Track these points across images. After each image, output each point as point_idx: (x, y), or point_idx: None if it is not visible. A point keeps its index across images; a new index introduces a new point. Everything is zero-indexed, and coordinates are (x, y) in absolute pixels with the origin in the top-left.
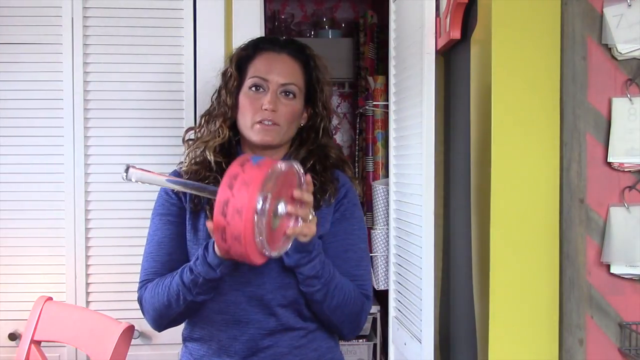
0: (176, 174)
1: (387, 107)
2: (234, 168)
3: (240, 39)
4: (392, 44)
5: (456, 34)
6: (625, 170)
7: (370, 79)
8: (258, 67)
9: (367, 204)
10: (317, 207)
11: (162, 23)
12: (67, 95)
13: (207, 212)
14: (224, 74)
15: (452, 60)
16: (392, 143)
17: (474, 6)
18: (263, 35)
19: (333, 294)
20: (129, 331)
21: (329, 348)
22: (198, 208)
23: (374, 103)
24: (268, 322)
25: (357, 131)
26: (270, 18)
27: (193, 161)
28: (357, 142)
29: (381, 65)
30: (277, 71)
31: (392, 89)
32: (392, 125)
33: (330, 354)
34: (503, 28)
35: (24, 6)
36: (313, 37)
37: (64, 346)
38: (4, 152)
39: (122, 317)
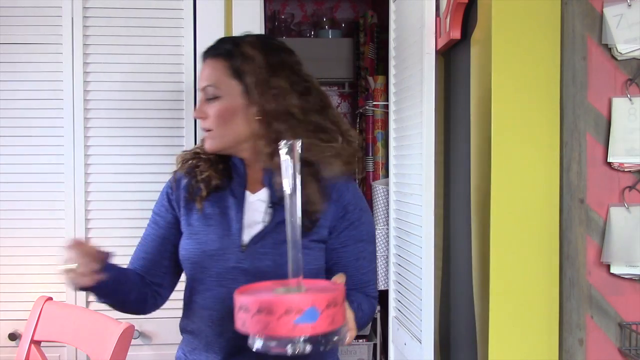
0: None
1: (387, 107)
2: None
3: None
4: (392, 44)
5: (456, 34)
6: (625, 170)
7: (370, 79)
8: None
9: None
10: (310, 227)
11: (162, 23)
12: (67, 96)
13: (198, 206)
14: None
15: (452, 60)
16: (392, 143)
17: (474, 6)
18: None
19: (359, 324)
20: (129, 331)
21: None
22: (190, 205)
23: (374, 103)
24: None
25: (357, 131)
26: (270, 18)
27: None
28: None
29: (381, 65)
30: (201, 78)
31: (392, 89)
32: (392, 125)
33: (320, 357)
34: (503, 28)
35: (24, 6)
36: (313, 37)
37: (64, 346)
38: (4, 152)
39: (122, 317)
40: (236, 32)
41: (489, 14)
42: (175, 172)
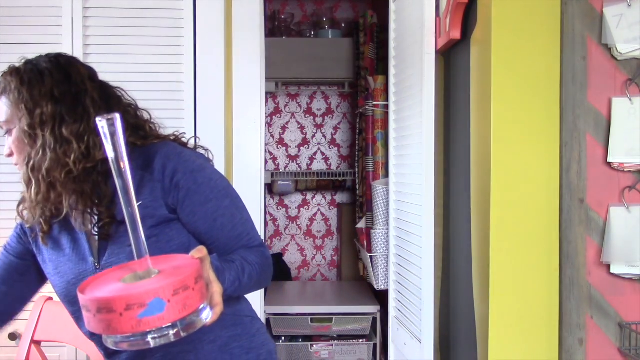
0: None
1: (387, 107)
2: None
3: (241, 39)
4: (392, 44)
5: (456, 34)
6: (625, 170)
7: (370, 79)
8: None
9: (367, 204)
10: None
11: (162, 23)
12: None
13: (43, 243)
14: None
15: (452, 60)
16: (392, 143)
17: (474, 6)
18: (263, 35)
19: (248, 285)
20: None
21: (233, 337)
22: (39, 243)
23: (374, 103)
24: None
25: (357, 131)
26: (270, 18)
27: None
28: (357, 142)
29: (381, 65)
30: None
31: (392, 89)
32: (392, 125)
33: (236, 343)
34: (503, 28)
35: (24, 6)
36: (313, 37)
37: (64, 346)
38: (4, 152)
39: None
40: (236, 32)
41: (489, 14)
42: (19, 217)
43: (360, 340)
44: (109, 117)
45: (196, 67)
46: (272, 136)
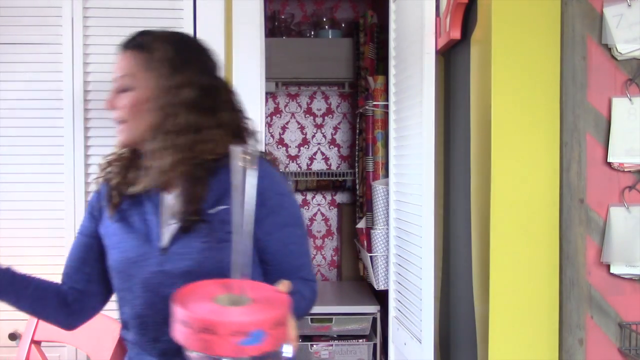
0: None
1: (387, 107)
2: None
3: (241, 39)
4: (392, 44)
5: (456, 34)
6: (625, 170)
7: (370, 79)
8: None
9: (367, 204)
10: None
11: (163, 23)
12: (67, 95)
13: (110, 213)
14: None
15: (452, 60)
16: (392, 143)
17: (474, 6)
18: (263, 35)
19: (296, 318)
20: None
21: None
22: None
23: (374, 103)
24: None
25: (357, 131)
26: (270, 18)
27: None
28: (357, 142)
29: (381, 65)
30: (115, 69)
31: (392, 89)
32: (392, 125)
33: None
34: (503, 28)
35: (24, 6)
36: (313, 37)
37: (64, 346)
38: (4, 152)
39: None
40: (236, 32)
41: (489, 14)
42: (97, 180)
43: (360, 340)
44: (247, 151)
45: None
46: (272, 136)
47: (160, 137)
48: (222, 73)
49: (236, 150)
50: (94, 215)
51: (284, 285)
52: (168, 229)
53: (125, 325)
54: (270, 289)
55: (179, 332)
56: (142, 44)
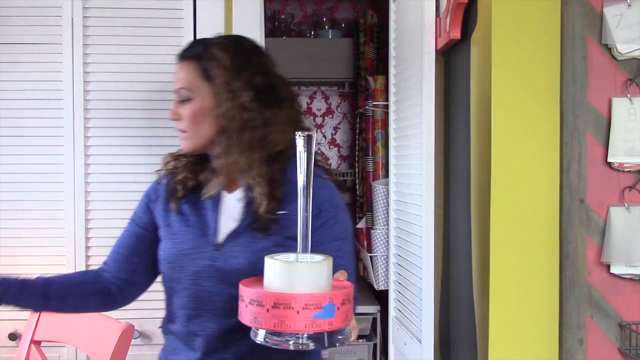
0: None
1: (387, 107)
2: None
3: None
4: (392, 44)
5: (456, 34)
6: (625, 170)
7: (370, 79)
8: None
9: (367, 204)
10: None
11: (162, 23)
12: (67, 96)
13: (173, 206)
14: None
15: (452, 60)
16: (392, 143)
17: (474, 6)
18: (263, 35)
19: None
20: (129, 331)
21: (296, 357)
22: (169, 206)
23: (374, 103)
24: (230, 319)
25: (357, 131)
26: (270, 18)
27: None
28: (357, 142)
29: (381, 65)
30: (175, 80)
31: (392, 89)
32: (392, 125)
33: (300, 356)
34: (503, 28)
35: (24, 6)
36: (313, 37)
37: (64, 346)
38: (4, 152)
39: (122, 317)
40: (236, 32)
41: (489, 14)
42: (158, 172)
43: (360, 340)
44: (305, 133)
45: None
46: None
47: (224, 139)
48: (278, 69)
49: (304, 136)
50: (149, 206)
51: (342, 274)
52: (226, 226)
53: (169, 316)
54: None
55: (249, 313)
56: (198, 54)
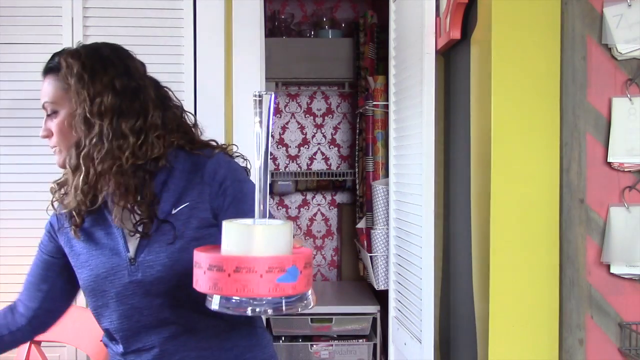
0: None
1: (387, 107)
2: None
3: (241, 39)
4: (392, 44)
5: (456, 34)
6: (625, 170)
7: (370, 79)
8: None
9: (367, 204)
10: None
11: (162, 23)
12: None
13: (74, 236)
14: None
15: (452, 60)
16: (392, 143)
17: (474, 6)
18: (263, 35)
19: None
20: None
21: (248, 347)
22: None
23: (374, 103)
24: (169, 326)
25: (357, 131)
26: (270, 18)
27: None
28: (357, 142)
29: (381, 65)
30: (41, 96)
31: (392, 89)
32: (392, 125)
33: (250, 353)
34: (503, 28)
35: (24, 6)
36: (313, 37)
37: (64, 346)
38: (4, 152)
39: None
40: (236, 32)
41: (489, 14)
42: (51, 205)
43: (360, 340)
44: (266, 92)
45: (196, 67)
46: (272, 136)
47: (79, 150)
48: (146, 72)
49: (255, 96)
50: (53, 236)
51: (297, 241)
52: (132, 239)
53: (109, 337)
54: None
55: (207, 280)
56: (54, 66)
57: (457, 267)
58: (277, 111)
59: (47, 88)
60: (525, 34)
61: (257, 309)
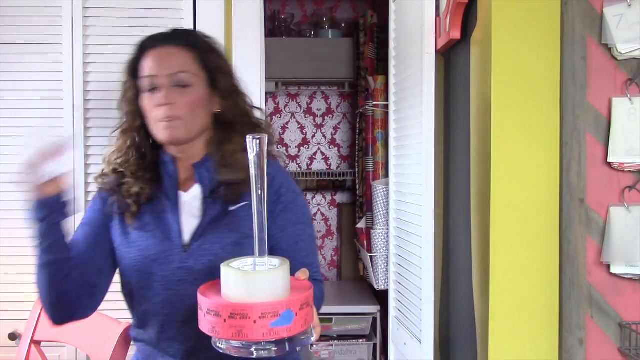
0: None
1: (387, 107)
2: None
3: (241, 39)
4: (392, 44)
5: (456, 34)
6: (625, 170)
7: (370, 79)
8: (146, 67)
9: (367, 204)
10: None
11: (162, 23)
12: (67, 95)
13: (129, 222)
14: (122, 85)
15: (452, 60)
16: (392, 143)
17: (474, 6)
18: (263, 35)
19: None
20: (129, 331)
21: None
22: (124, 221)
23: (374, 103)
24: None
25: (357, 131)
26: (270, 18)
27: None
28: (357, 142)
29: (381, 65)
30: (164, 65)
31: (392, 89)
32: (392, 125)
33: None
34: (503, 28)
35: (24, 6)
36: (313, 37)
37: (64, 346)
38: (4, 152)
39: (122, 317)
40: (236, 32)
41: (489, 14)
42: (99, 192)
43: (360, 340)
44: (258, 136)
45: None
46: (272, 136)
47: (221, 129)
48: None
49: (249, 140)
50: (104, 212)
51: (303, 273)
52: (189, 226)
53: (140, 324)
54: (290, 277)
55: (207, 323)
56: (193, 43)
57: (457, 267)
58: (277, 111)
59: (183, 60)
60: (525, 34)
61: (262, 352)
